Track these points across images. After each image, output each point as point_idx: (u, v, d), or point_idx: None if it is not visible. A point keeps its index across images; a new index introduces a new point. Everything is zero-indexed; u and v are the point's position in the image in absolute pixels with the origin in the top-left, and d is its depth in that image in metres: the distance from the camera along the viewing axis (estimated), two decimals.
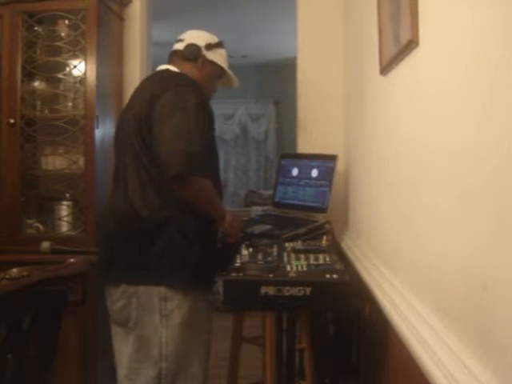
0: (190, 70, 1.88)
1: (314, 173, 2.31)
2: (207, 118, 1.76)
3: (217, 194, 1.79)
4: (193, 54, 1.88)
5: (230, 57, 2.04)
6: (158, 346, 1.69)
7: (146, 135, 1.70)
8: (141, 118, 1.72)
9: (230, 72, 1.98)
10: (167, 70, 1.88)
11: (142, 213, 1.70)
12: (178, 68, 1.87)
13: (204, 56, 1.89)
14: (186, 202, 1.71)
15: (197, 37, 1.93)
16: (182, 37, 1.94)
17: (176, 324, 1.70)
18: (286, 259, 1.67)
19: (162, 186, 1.70)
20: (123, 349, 1.77)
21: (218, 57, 1.93)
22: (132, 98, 1.87)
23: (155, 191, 1.71)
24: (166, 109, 1.68)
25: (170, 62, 1.92)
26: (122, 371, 1.78)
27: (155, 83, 1.80)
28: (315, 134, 2.76)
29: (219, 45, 1.95)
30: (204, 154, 1.69)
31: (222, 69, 1.95)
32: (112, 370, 1.90)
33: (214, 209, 1.79)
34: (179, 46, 1.91)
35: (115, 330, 1.81)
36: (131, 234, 1.74)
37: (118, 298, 1.75)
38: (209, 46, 1.90)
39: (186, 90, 1.72)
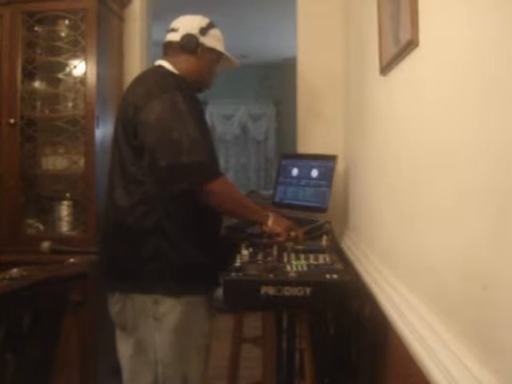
0: (187, 61, 1.82)
1: (314, 173, 2.31)
2: (201, 112, 1.75)
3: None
4: (191, 45, 1.81)
5: None
6: (153, 350, 1.67)
7: (132, 144, 1.67)
8: (126, 126, 1.68)
9: (227, 54, 1.92)
10: (159, 67, 1.82)
11: (127, 219, 1.67)
12: (174, 61, 1.81)
13: (202, 44, 1.82)
14: (220, 210, 1.75)
15: (190, 24, 1.84)
16: (174, 26, 1.85)
17: (169, 328, 1.66)
18: (286, 259, 1.67)
19: (147, 193, 1.66)
20: (124, 352, 1.75)
21: (214, 40, 1.87)
22: (122, 100, 1.80)
23: (140, 198, 1.67)
24: (159, 121, 1.62)
25: (165, 55, 1.85)
26: (124, 374, 1.77)
27: (143, 88, 1.72)
28: (315, 134, 2.76)
29: (211, 25, 1.87)
30: (212, 148, 1.69)
31: (219, 52, 1.89)
32: (112, 370, 1.90)
33: (248, 208, 1.77)
34: (174, 37, 1.83)
35: (118, 333, 1.79)
36: (118, 241, 1.72)
37: (116, 301, 1.74)
38: (202, 31, 1.83)
39: (174, 95, 1.65)
